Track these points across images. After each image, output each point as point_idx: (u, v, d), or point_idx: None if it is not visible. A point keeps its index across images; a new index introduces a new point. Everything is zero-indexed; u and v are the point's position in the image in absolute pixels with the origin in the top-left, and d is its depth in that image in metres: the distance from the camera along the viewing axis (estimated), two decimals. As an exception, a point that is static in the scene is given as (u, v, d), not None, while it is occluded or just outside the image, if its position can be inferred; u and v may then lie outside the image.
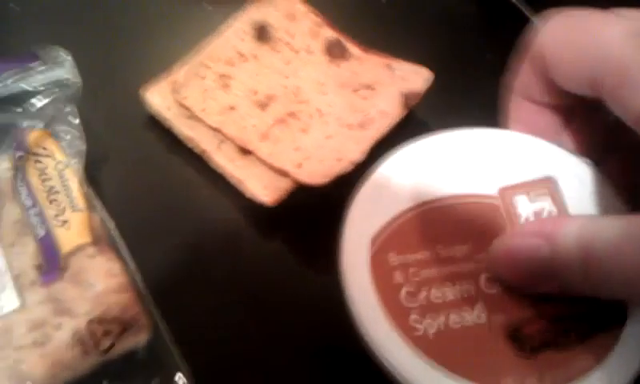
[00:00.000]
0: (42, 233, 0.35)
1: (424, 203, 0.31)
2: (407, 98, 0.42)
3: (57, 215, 0.36)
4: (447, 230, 0.30)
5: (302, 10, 0.45)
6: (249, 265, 0.39)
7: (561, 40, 0.30)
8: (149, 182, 0.41)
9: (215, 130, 0.40)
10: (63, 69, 0.40)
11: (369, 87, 0.43)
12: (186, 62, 0.43)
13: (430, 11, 0.50)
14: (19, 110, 0.39)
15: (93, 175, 0.39)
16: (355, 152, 0.39)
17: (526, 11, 0.48)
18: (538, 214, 0.30)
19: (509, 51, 0.49)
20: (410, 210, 0.31)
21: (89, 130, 0.40)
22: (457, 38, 0.49)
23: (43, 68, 0.39)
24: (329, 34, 0.45)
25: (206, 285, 0.38)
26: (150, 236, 0.39)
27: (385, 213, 0.31)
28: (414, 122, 0.42)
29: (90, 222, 0.36)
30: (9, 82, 0.39)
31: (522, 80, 0.33)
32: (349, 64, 0.44)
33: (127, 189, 0.41)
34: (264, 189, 0.39)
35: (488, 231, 0.30)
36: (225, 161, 0.40)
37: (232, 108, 0.41)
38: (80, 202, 0.36)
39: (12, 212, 0.36)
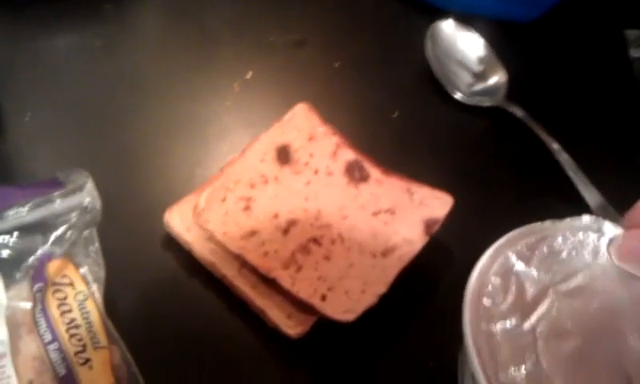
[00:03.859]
0: (62, 371, 0.34)
1: None
2: (428, 224, 0.42)
3: (78, 352, 0.34)
4: None
5: (323, 130, 0.45)
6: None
7: None
8: (167, 308, 0.40)
9: (237, 255, 0.40)
10: (84, 194, 0.39)
11: (389, 211, 0.43)
12: (208, 184, 0.43)
13: (441, 125, 0.51)
14: (38, 236, 0.38)
15: (110, 302, 0.38)
16: (380, 284, 0.39)
17: (533, 127, 0.49)
18: None
19: (519, 165, 0.49)
20: None
21: (106, 252, 0.39)
22: (470, 154, 0.49)
23: (64, 193, 0.39)
24: (348, 155, 0.45)
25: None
26: (168, 368, 0.38)
27: None
28: (435, 248, 0.42)
29: (112, 358, 0.35)
30: (30, 209, 0.38)
31: None
32: (368, 186, 0.44)
33: (145, 316, 0.40)
34: (287, 319, 0.39)
35: None
36: (246, 287, 0.40)
37: (253, 233, 0.41)
38: (102, 337, 0.35)
39: (30, 346, 0.35)
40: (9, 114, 0.48)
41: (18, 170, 0.45)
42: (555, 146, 0.48)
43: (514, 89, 0.51)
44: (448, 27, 0.53)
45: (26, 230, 0.38)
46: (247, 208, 0.42)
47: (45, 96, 0.49)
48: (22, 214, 0.38)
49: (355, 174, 0.44)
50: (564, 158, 0.47)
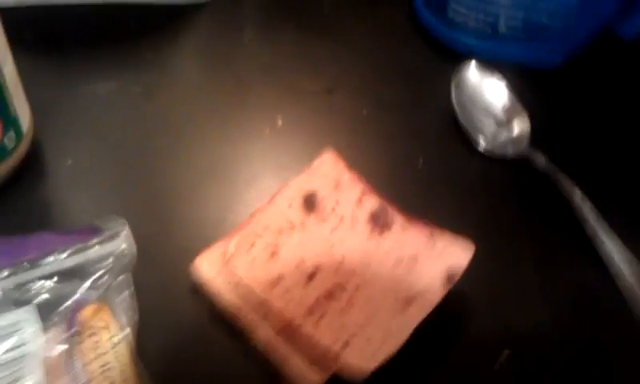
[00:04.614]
0: (95, 415, 0.36)
1: None
2: (450, 273, 0.43)
3: (110, 396, 0.36)
4: None
5: (348, 178, 0.47)
6: None
7: None
8: (195, 351, 0.42)
9: (262, 302, 0.41)
10: (120, 240, 0.41)
11: (411, 259, 0.44)
12: (238, 230, 0.44)
13: (465, 174, 0.52)
14: (76, 281, 0.40)
15: (139, 344, 0.40)
16: (401, 332, 0.40)
17: (556, 176, 0.50)
18: None
19: (542, 215, 0.49)
20: None
21: (137, 294, 0.41)
22: (493, 204, 0.50)
23: (101, 240, 0.41)
24: (373, 202, 0.46)
25: None
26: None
27: None
28: (456, 297, 0.43)
29: (143, 403, 0.37)
30: (68, 255, 0.40)
31: None
32: (391, 234, 0.45)
33: (173, 358, 0.41)
34: (309, 368, 0.40)
35: None
36: (269, 334, 0.41)
37: (279, 279, 0.42)
38: (133, 381, 0.37)
39: (64, 390, 0.37)
40: (50, 158, 0.50)
41: (56, 215, 0.48)
42: (578, 195, 0.48)
43: (538, 137, 0.52)
44: (473, 75, 0.54)
45: (64, 275, 0.40)
46: (274, 254, 0.43)
47: (85, 141, 0.52)
48: (60, 260, 0.40)
49: (379, 221, 0.45)
50: (587, 208, 0.48)
